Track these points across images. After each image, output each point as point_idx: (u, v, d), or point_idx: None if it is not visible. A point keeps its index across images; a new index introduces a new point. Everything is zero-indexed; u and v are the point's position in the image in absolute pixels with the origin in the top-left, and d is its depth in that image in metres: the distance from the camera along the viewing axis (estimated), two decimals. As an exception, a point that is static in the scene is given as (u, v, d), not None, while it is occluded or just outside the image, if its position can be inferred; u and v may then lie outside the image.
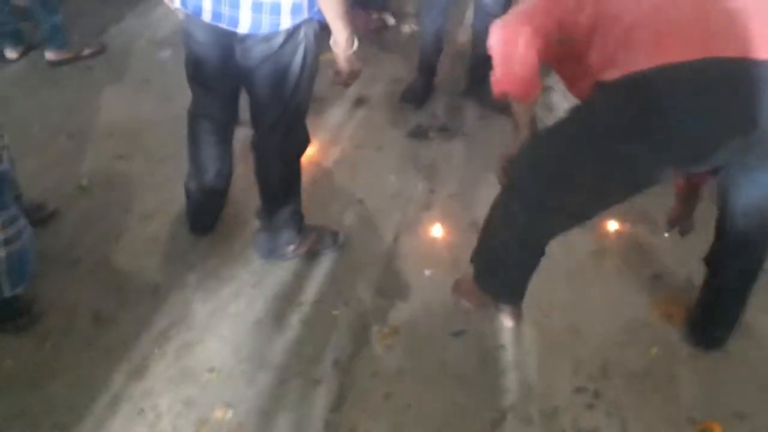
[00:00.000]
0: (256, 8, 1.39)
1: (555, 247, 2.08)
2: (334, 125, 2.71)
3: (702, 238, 2.13)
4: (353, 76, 1.60)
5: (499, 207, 1.53)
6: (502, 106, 2.90)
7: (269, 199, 1.83)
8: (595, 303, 1.91)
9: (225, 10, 1.43)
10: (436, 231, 2.14)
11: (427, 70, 2.94)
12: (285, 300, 1.86)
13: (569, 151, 1.34)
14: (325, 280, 1.92)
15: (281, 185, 1.80)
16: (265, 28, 1.42)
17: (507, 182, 1.53)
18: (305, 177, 2.32)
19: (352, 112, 2.84)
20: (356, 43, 1.51)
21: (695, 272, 2.02)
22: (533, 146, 1.47)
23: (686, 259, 2.08)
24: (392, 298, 1.88)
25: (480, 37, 2.79)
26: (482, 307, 1.77)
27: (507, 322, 1.75)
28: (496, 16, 2.79)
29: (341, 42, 1.48)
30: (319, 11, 1.46)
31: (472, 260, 1.70)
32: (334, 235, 2.00)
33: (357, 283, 1.92)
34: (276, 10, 1.39)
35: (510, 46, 1.33)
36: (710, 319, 1.76)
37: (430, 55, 2.91)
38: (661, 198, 2.31)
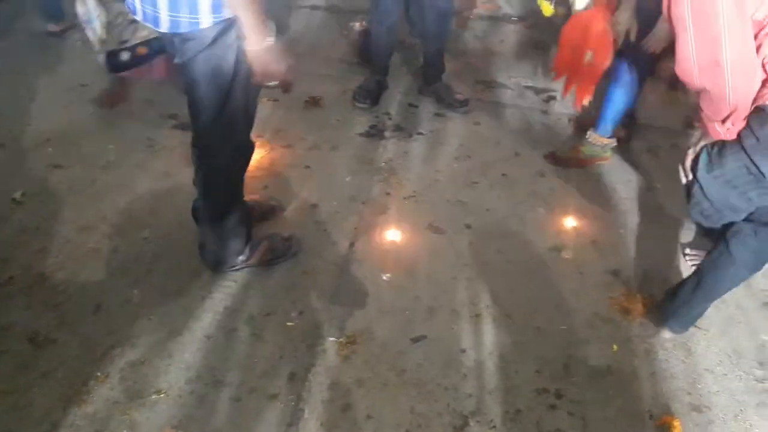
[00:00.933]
0: (173, 7, 1.32)
1: (513, 247, 2.08)
2: (286, 127, 2.63)
3: (658, 235, 2.16)
4: (269, 76, 1.42)
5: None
6: (458, 104, 2.88)
7: (211, 207, 1.74)
8: (556, 300, 1.89)
9: (148, 10, 1.36)
10: (393, 234, 2.09)
11: (380, 69, 2.89)
12: (236, 313, 1.78)
13: None
14: (278, 290, 1.84)
15: (223, 192, 1.70)
16: (184, 27, 1.34)
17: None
18: (256, 183, 2.26)
19: (304, 113, 2.76)
20: (271, 37, 1.35)
21: (652, 267, 2.04)
22: None
23: (643, 254, 2.09)
24: (349, 305, 1.81)
25: (432, 35, 2.76)
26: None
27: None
28: (449, 14, 2.77)
29: (249, 36, 1.32)
30: None
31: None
32: (287, 242, 1.93)
33: (312, 291, 1.85)
34: (194, 8, 1.32)
35: None
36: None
37: (382, 54, 2.86)
38: (615, 194, 2.34)
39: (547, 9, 2.69)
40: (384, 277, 1.92)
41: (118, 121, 2.56)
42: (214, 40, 1.36)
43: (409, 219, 2.17)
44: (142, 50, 2.01)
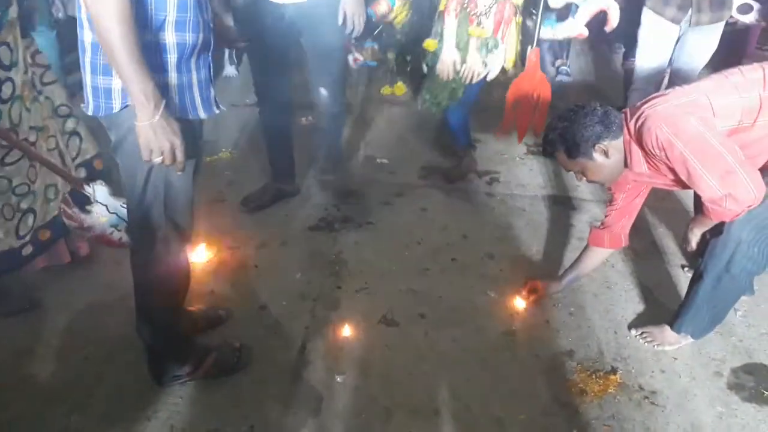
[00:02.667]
0: (95, 93, 1.38)
1: (467, 334, 2.07)
2: (233, 227, 2.62)
3: (607, 308, 2.19)
4: (154, 153, 1.35)
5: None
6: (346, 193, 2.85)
7: (143, 315, 1.68)
8: (513, 387, 1.87)
9: (83, 94, 1.41)
10: (346, 331, 2.05)
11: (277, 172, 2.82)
12: (182, 432, 1.68)
13: None
14: (227, 405, 1.76)
15: (157, 296, 1.63)
16: (102, 111, 1.39)
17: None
18: (202, 287, 2.21)
19: (252, 210, 2.76)
20: (158, 115, 1.31)
21: (605, 343, 2.06)
22: None
23: (594, 331, 2.11)
24: (302, 414, 1.74)
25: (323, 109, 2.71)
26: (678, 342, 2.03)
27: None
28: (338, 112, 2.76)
29: (137, 111, 1.30)
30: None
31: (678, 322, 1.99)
32: (236, 353, 1.86)
33: (263, 402, 1.77)
34: (108, 94, 1.37)
35: None
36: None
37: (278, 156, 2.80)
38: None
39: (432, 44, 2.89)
40: (338, 379, 1.86)
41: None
42: (130, 129, 1.37)
43: (362, 313, 2.15)
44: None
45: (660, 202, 2.83)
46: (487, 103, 3.36)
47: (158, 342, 1.72)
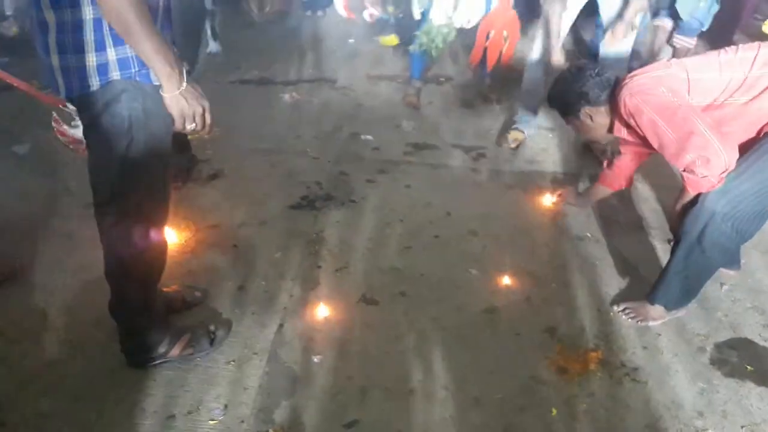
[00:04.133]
0: (66, 73, 1.33)
1: (448, 312, 2.04)
2: (213, 206, 2.57)
3: (590, 285, 2.16)
4: (188, 120, 1.37)
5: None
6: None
7: (117, 294, 1.64)
8: (492, 366, 1.85)
9: (52, 78, 1.36)
10: (324, 310, 2.02)
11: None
12: (155, 415, 1.65)
13: None
14: (200, 385, 1.73)
15: (129, 276, 1.60)
16: (76, 91, 1.34)
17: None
18: (180, 268, 2.17)
19: (232, 189, 2.72)
20: (184, 81, 1.32)
21: (587, 320, 2.03)
22: None
23: (577, 307, 2.08)
24: (277, 394, 1.72)
25: None
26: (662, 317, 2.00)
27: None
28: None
29: (162, 83, 1.31)
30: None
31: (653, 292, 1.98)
32: (212, 335, 1.83)
33: (237, 383, 1.75)
34: (82, 72, 1.31)
35: None
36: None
37: None
38: (546, 248, 2.34)
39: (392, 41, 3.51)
40: (315, 359, 1.84)
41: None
42: (106, 105, 1.34)
43: (341, 292, 2.11)
44: None
45: (649, 178, 2.79)
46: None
47: (132, 322, 1.68)
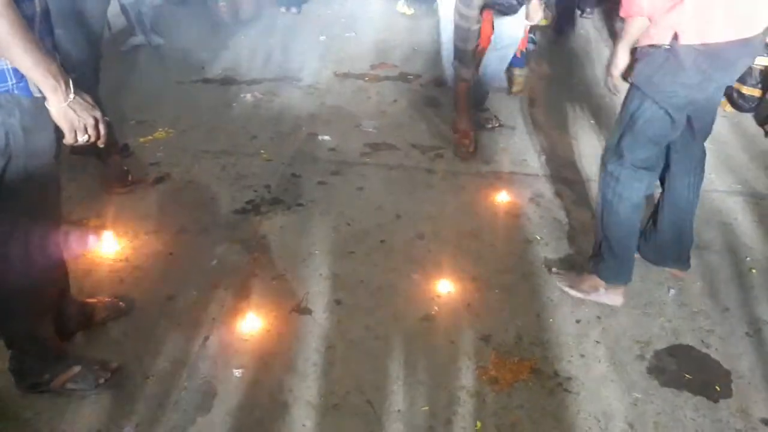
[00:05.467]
0: None
1: (383, 321, 1.98)
2: (153, 211, 2.52)
3: (533, 290, 2.10)
4: (79, 133, 1.31)
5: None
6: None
7: (2, 315, 1.56)
8: (422, 377, 1.79)
9: None
10: (253, 322, 1.96)
11: None
12: (62, 435, 1.60)
13: None
14: (113, 402, 1.67)
15: (10, 304, 1.52)
16: None
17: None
18: (112, 276, 2.12)
19: (176, 193, 2.66)
20: (71, 93, 1.27)
21: (524, 325, 1.97)
22: None
23: (517, 313, 2.02)
24: (192, 412, 1.66)
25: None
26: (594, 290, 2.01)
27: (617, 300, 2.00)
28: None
29: (48, 96, 1.25)
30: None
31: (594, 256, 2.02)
32: (105, 372, 1.69)
33: (153, 398, 1.69)
34: None
35: None
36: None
37: None
38: (494, 251, 2.28)
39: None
40: (236, 373, 1.78)
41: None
42: None
43: (275, 301, 2.06)
44: None
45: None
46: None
47: (17, 346, 1.60)
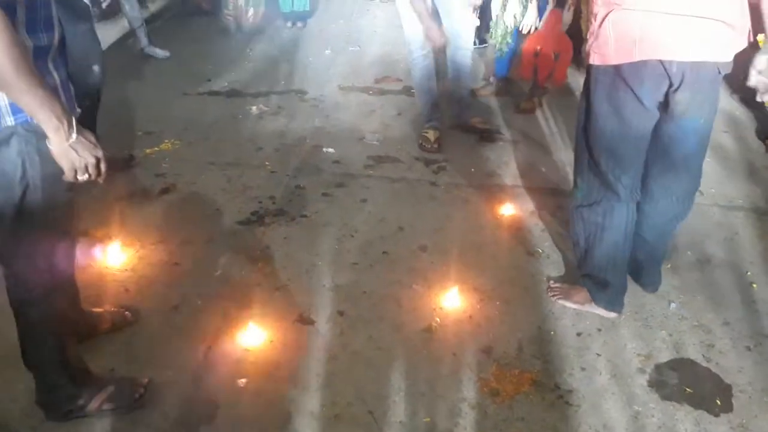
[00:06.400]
0: None
1: (385, 332, 2.00)
2: (159, 222, 2.55)
3: (534, 302, 2.11)
4: (80, 172, 1.29)
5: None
6: None
7: (25, 345, 1.55)
8: (423, 389, 1.80)
9: None
10: (257, 332, 1.97)
11: None
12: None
13: None
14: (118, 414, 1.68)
15: (34, 329, 1.51)
16: None
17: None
18: (118, 286, 2.14)
19: (182, 204, 2.69)
20: (74, 132, 1.25)
21: (526, 337, 1.98)
22: None
23: (518, 325, 2.03)
24: (196, 422, 1.67)
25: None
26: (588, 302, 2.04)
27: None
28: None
29: (50, 135, 1.23)
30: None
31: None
32: (138, 387, 1.69)
33: (156, 410, 1.69)
34: None
35: None
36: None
37: None
38: (495, 262, 2.29)
39: None
40: (240, 383, 1.79)
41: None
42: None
43: (278, 312, 2.07)
44: None
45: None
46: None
47: (45, 377, 1.58)
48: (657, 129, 1.74)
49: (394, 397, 1.77)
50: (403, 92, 3.94)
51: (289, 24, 5.25)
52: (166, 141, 3.27)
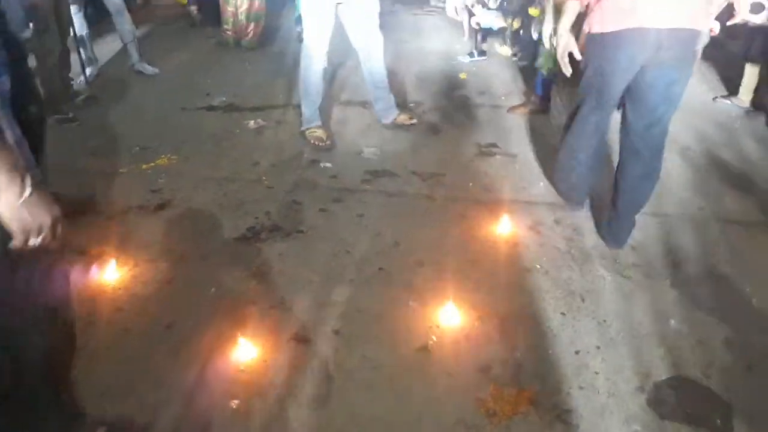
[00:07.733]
0: None
1: (380, 350, 1.97)
2: (154, 239, 2.53)
3: (532, 319, 2.08)
4: (33, 234, 1.13)
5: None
6: None
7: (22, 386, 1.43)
8: (418, 410, 1.77)
9: None
10: (250, 351, 1.95)
11: None
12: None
13: None
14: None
15: (33, 372, 1.40)
16: None
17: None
18: (111, 304, 2.12)
19: (176, 221, 2.67)
20: (27, 188, 1.09)
21: (525, 358, 1.96)
22: None
23: (515, 346, 2.01)
24: (187, 442, 1.65)
25: None
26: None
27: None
28: None
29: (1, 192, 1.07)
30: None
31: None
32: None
33: (148, 428, 1.68)
34: None
35: None
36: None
37: None
38: (491, 278, 2.27)
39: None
40: (232, 404, 1.77)
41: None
42: None
43: (273, 330, 2.05)
44: None
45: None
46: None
47: (37, 411, 1.46)
48: (637, 78, 2.15)
49: (388, 419, 1.74)
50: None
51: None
52: (163, 156, 3.26)
